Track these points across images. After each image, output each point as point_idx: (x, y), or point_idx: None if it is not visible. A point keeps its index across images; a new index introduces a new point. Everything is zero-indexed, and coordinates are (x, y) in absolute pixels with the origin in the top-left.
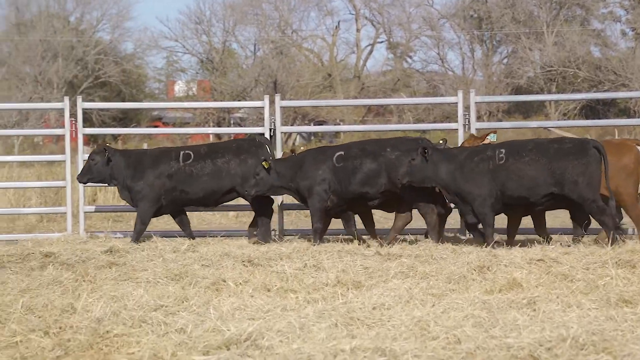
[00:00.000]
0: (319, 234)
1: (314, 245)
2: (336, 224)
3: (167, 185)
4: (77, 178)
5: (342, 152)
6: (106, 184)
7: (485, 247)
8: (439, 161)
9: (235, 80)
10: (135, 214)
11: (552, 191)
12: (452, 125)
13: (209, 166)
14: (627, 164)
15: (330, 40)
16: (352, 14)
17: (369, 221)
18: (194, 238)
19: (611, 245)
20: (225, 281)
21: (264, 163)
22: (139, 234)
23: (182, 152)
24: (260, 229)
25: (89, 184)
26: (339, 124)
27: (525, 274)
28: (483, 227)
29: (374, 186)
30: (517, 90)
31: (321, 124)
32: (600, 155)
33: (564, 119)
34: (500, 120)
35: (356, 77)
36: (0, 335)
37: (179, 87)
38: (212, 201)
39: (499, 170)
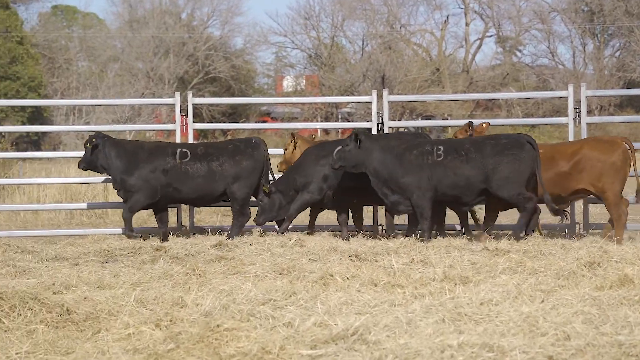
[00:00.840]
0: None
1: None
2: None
3: (163, 180)
4: (78, 164)
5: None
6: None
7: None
8: (372, 149)
9: (343, 75)
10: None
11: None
12: (562, 120)
13: (203, 167)
14: (614, 162)
15: (438, 34)
16: (461, 8)
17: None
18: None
19: (526, 235)
20: (332, 276)
21: (264, 188)
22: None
23: (179, 150)
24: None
25: None
26: (447, 119)
27: (637, 270)
28: (419, 220)
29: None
30: (630, 84)
31: (429, 119)
32: (535, 151)
33: None
34: (612, 115)
35: (464, 72)
36: (113, 327)
37: (288, 82)
38: (204, 202)
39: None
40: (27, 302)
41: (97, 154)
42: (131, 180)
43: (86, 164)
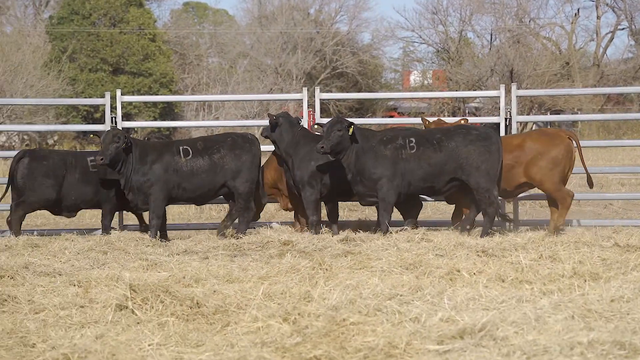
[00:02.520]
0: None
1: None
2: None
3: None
4: (101, 160)
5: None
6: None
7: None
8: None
9: (470, 70)
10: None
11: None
12: None
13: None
14: (555, 156)
15: (568, 27)
16: (592, 1)
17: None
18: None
19: (483, 236)
20: (459, 271)
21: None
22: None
23: (181, 147)
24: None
25: None
26: (577, 113)
27: None
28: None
29: None
30: None
31: (558, 114)
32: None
33: None
34: None
35: (595, 65)
36: (242, 321)
37: (415, 77)
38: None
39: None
40: (159, 295)
41: (121, 152)
42: (148, 182)
43: (110, 164)
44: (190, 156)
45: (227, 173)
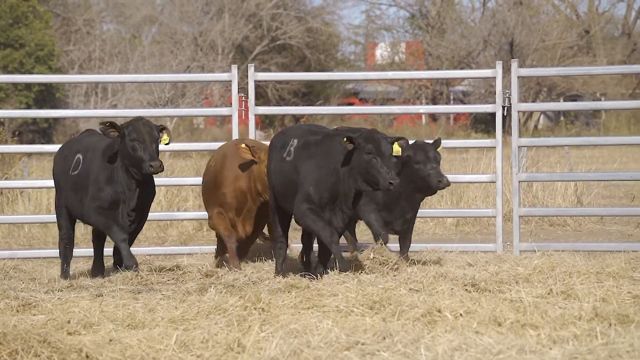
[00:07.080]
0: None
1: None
2: None
3: None
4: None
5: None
6: None
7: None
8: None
9: (457, 42)
10: None
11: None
12: None
13: None
14: None
15: None
16: None
17: None
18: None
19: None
20: (440, 311)
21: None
22: None
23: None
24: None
25: None
26: (600, 100)
27: None
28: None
29: None
30: None
31: (574, 100)
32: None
33: None
34: None
35: (625, 35)
36: None
37: (382, 52)
38: None
39: None
40: (33, 346)
41: None
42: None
43: None
44: None
45: None
